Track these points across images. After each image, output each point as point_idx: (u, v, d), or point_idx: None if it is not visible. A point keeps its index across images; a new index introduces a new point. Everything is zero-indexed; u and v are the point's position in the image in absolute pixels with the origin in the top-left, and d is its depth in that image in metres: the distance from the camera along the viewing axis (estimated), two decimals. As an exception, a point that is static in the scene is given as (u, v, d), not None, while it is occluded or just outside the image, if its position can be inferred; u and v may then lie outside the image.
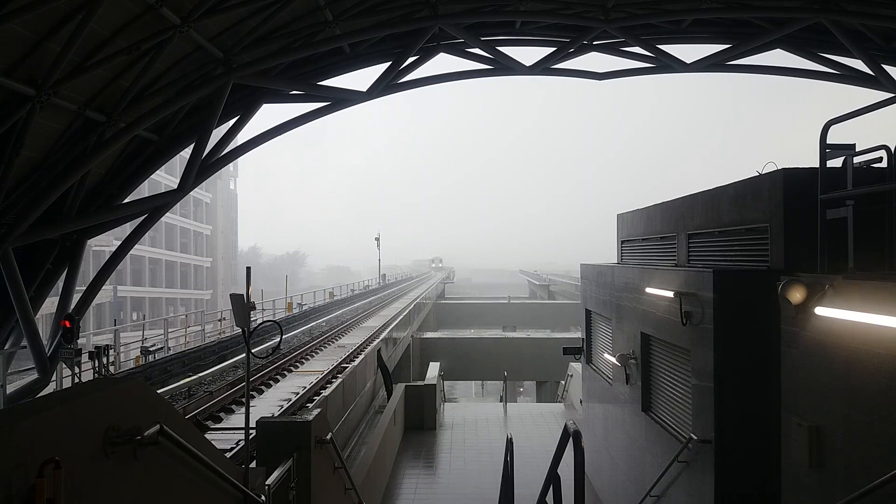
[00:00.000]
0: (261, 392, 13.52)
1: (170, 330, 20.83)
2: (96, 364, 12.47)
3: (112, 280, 41.60)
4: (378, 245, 65.90)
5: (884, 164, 5.61)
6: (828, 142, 5.47)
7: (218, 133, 12.42)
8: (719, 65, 13.38)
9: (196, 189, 31.39)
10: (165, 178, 59.56)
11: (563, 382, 23.57)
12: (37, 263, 11.39)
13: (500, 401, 22.98)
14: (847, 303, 4.65)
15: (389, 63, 12.43)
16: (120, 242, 12.79)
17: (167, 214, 15.05)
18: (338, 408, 13.05)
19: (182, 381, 14.24)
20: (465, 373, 34.87)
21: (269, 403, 12.38)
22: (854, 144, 5.56)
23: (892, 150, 5.48)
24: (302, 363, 17.19)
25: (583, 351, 14.28)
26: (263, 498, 5.04)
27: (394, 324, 25.85)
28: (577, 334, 21.18)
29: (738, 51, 12.96)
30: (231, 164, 79.48)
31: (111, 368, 13.25)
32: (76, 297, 12.01)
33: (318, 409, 7.14)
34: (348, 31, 11.40)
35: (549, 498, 5.41)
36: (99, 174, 11.47)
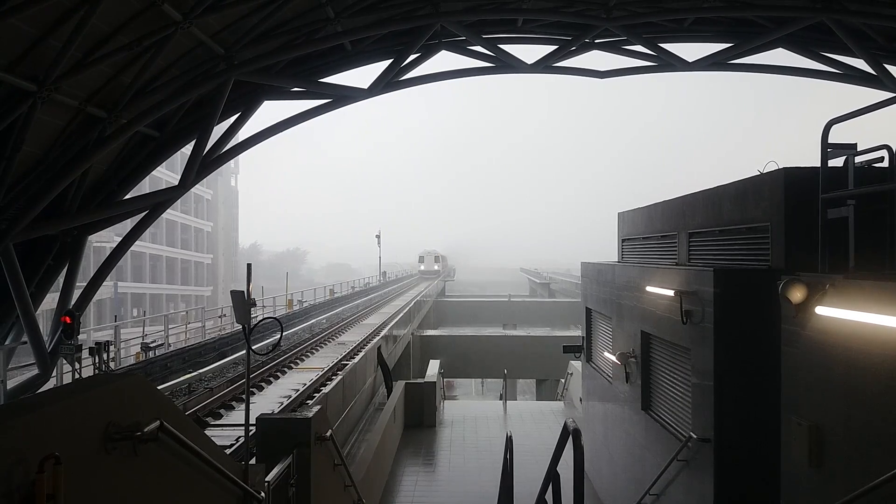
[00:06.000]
0: (261, 389, 13.55)
1: (170, 326, 20.86)
2: (97, 360, 12.50)
3: (113, 276, 41.64)
4: (378, 242, 65.99)
5: (885, 163, 5.61)
6: (829, 141, 5.47)
7: (219, 129, 12.41)
8: (721, 64, 13.36)
9: (197, 186, 31.38)
10: (166, 174, 59.47)
11: (563, 380, 23.59)
12: (37, 259, 11.40)
13: (500, 398, 23.00)
14: (847, 302, 4.65)
15: (391, 60, 12.42)
16: (121, 239, 12.79)
17: (168, 211, 15.03)
18: (338, 405, 13.06)
19: (182, 378, 14.26)
20: (465, 370, 34.84)
21: (269, 400, 12.41)
22: (855, 144, 5.57)
23: (894, 149, 5.49)
24: (302, 360, 17.21)
25: (583, 349, 14.29)
26: (263, 494, 5.05)
27: (394, 321, 25.85)
28: (578, 332, 21.17)
29: (740, 50, 12.94)
30: (232, 161, 79.61)
31: (111, 364, 13.28)
32: (77, 293, 12.02)
33: (318, 406, 7.14)
34: (350, 29, 11.39)
35: (549, 496, 5.41)
36: (100, 170, 11.47)
